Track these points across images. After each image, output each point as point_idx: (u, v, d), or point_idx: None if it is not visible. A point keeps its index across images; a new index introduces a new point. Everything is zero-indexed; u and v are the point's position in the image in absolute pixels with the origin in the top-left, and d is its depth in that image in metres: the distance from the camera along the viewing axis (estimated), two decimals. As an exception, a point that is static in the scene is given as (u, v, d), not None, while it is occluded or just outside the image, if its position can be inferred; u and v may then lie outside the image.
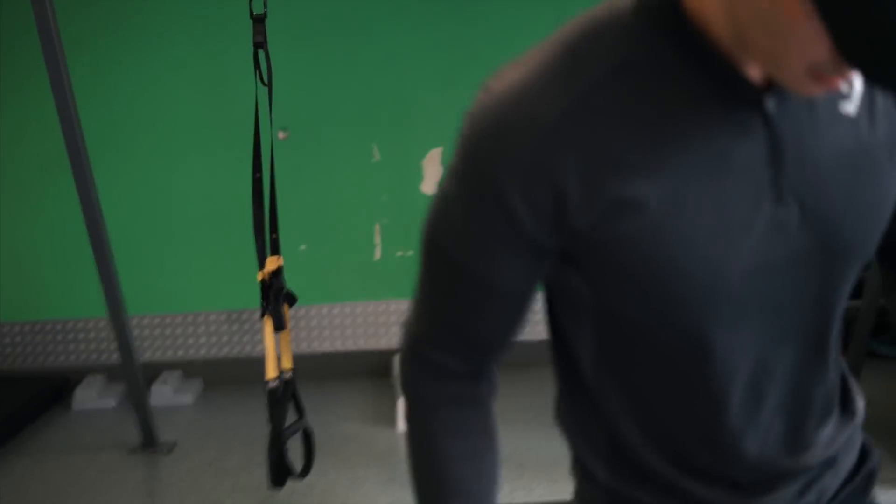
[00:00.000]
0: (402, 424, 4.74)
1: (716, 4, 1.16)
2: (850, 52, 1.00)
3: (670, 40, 1.20)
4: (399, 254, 5.74)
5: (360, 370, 5.67)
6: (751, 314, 1.27)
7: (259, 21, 3.61)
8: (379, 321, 5.80)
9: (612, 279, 1.25)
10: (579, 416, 1.47)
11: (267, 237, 3.67)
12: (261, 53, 3.61)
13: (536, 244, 1.24)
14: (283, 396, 3.74)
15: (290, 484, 3.89)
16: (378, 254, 5.73)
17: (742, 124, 1.22)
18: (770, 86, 1.22)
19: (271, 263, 3.69)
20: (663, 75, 1.20)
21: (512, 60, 1.25)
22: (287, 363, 3.76)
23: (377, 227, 5.72)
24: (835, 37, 1.00)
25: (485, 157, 1.21)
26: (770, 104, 1.22)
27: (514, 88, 1.20)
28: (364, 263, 5.71)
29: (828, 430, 1.43)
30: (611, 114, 1.19)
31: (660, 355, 1.31)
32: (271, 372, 3.70)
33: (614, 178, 1.19)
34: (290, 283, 3.66)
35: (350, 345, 5.76)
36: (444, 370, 1.43)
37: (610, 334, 1.33)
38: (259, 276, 3.64)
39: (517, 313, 1.36)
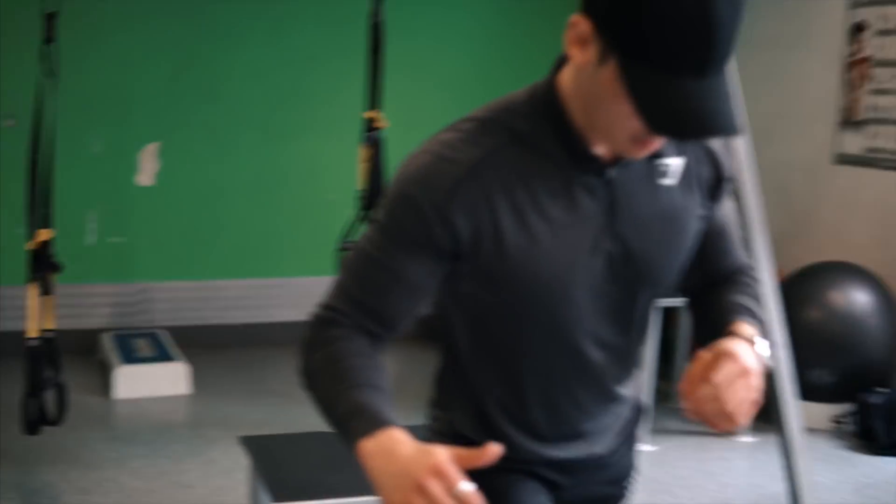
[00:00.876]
0: (115, 393, 5.43)
1: (573, 97, 1.72)
2: (652, 127, 1.65)
3: (548, 122, 1.76)
4: (112, 240, 6.27)
5: (68, 348, 6.12)
6: (585, 316, 1.86)
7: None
8: (87, 302, 6.28)
9: (488, 280, 1.80)
10: (455, 385, 2.02)
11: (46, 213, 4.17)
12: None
13: (440, 251, 1.76)
14: (43, 353, 4.25)
15: (27, 441, 4.45)
16: (91, 239, 6.23)
17: (591, 186, 1.78)
18: (613, 161, 1.77)
19: (42, 235, 4.20)
20: (542, 146, 1.77)
21: (443, 130, 1.84)
22: (49, 325, 4.27)
23: (92, 215, 6.22)
24: (639, 115, 1.61)
25: (413, 187, 1.74)
26: (610, 174, 1.79)
27: (438, 144, 1.78)
28: (77, 247, 6.16)
29: (628, 389, 2.09)
30: (506, 170, 1.75)
31: (518, 344, 1.92)
32: (32, 332, 4.19)
33: (504, 215, 1.74)
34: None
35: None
36: (349, 329, 1.80)
37: (483, 325, 1.88)
38: (30, 246, 4.14)
39: (415, 304, 1.82)
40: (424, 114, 6.78)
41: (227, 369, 6.23)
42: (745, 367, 1.76)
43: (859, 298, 5.40)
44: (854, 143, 5.93)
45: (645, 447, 2.58)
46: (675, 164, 1.84)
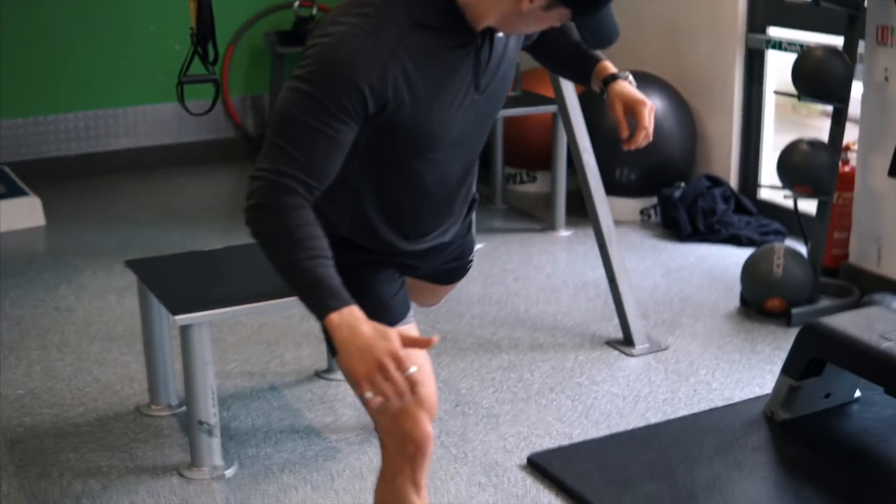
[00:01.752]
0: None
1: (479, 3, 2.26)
2: (591, 45, 2.43)
3: (440, 8, 2.27)
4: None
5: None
6: (459, 145, 2.49)
7: None
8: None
9: (392, 132, 2.31)
10: (336, 198, 2.52)
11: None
12: None
13: (364, 116, 2.22)
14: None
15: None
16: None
17: (466, 55, 2.34)
18: (481, 34, 2.32)
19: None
20: (435, 28, 2.27)
21: (338, 16, 2.29)
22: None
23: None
24: (587, 41, 2.39)
25: (350, 70, 2.17)
26: (488, 46, 2.36)
27: (357, 31, 2.20)
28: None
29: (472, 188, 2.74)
30: (411, 49, 2.23)
31: (408, 172, 2.47)
32: None
33: (410, 85, 2.24)
34: None
35: None
36: (296, 195, 2.17)
37: (372, 160, 2.42)
38: None
39: (343, 157, 2.25)
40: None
41: (74, 199, 6.51)
42: (648, 103, 2.65)
43: (656, 103, 5.96)
44: (643, -42, 6.48)
45: (476, 245, 3.12)
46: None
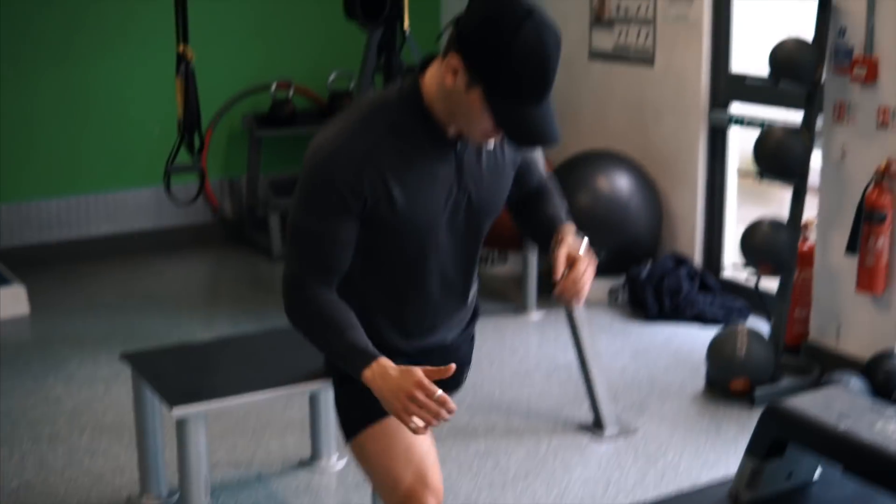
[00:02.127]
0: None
1: (436, 99, 2.50)
2: (509, 139, 2.49)
3: (415, 115, 2.53)
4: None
5: None
6: (444, 246, 2.70)
7: None
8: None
9: (381, 229, 2.57)
10: (347, 300, 2.72)
11: None
12: None
13: (356, 214, 2.53)
14: None
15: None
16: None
17: (446, 158, 2.59)
18: (458, 138, 2.57)
19: None
20: (412, 133, 2.54)
21: (328, 125, 2.60)
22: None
23: None
24: (499, 131, 2.47)
25: (327, 173, 2.48)
26: (458, 147, 2.59)
27: (336, 138, 2.54)
28: None
29: (471, 296, 2.93)
30: (387, 151, 2.51)
31: (405, 269, 2.70)
32: None
33: (392, 183, 2.51)
34: None
35: None
36: (317, 287, 2.56)
37: (373, 259, 2.67)
38: None
39: (350, 253, 2.59)
40: (226, 39, 7.31)
41: (58, 286, 6.66)
42: (590, 262, 2.66)
43: (622, 183, 6.20)
44: (605, 40, 6.73)
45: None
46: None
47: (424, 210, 2.59)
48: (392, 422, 2.70)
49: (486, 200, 2.70)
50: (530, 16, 2.36)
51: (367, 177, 2.50)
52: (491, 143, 2.64)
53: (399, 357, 2.74)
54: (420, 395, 2.41)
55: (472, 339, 3.04)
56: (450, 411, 2.43)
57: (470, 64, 2.39)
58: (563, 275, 2.64)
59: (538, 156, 2.93)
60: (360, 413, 2.77)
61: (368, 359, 2.50)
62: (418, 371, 2.44)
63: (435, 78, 2.52)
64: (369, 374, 2.48)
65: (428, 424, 2.43)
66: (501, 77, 2.37)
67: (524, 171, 2.90)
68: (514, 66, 2.35)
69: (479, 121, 2.46)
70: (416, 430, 2.43)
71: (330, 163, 2.50)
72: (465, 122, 2.50)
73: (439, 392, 2.42)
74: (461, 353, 2.99)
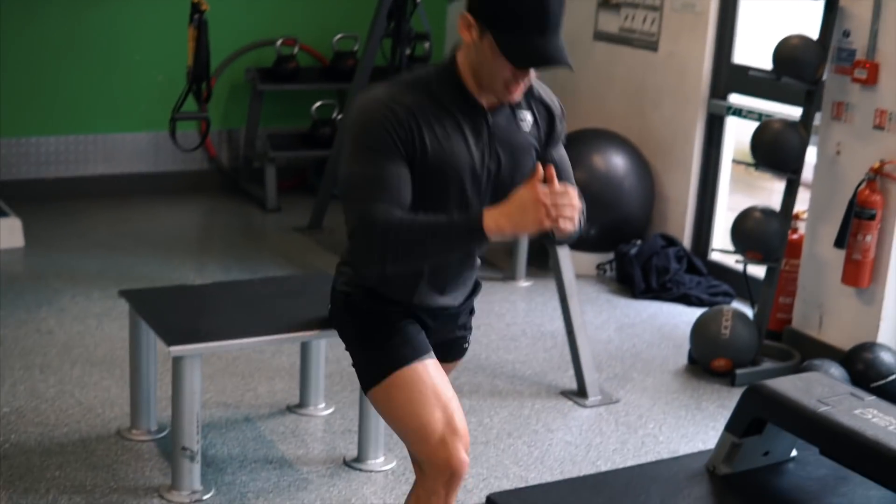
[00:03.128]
0: None
1: (466, 69, 2.73)
2: (516, 64, 2.61)
3: (451, 85, 2.75)
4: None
5: None
6: (470, 200, 2.79)
7: None
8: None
9: (415, 181, 2.70)
10: None
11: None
12: None
13: (404, 156, 2.68)
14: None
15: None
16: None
17: (478, 125, 2.77)
18: (491, 109, 2.76)
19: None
20: (449, 100, 2.74)
21: (371, 88, 2.76)
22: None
23: None
24: (508, 60, 2.61)
25: (378, 117, 2.65)
26: (489, 117, 2.77)
27: (383, 94, 2.70)
28: None
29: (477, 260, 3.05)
30: (427, 112, 2.70)
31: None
32: None
33: (429, 135, 2.69)
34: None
35: None
36: (389, 212, 2.61)
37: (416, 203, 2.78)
38: None
39: (409, 188, 2.68)
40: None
41: (53, 222, 6.73)
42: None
43: (617, 162, 6.28)
44: (611, 22, 6.81)
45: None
46: (527, 115, 2.87)
47: (456, 168, 2.74)
48: (417, 367, 2.81)
49: (511, 171, 2.83)
50: None
51: (410, 127, 2.68)
52: (517, 95, 2.75)
53: (417, 309, 2.91)
54: (546, 199, 2.51)
55: (472, 310, 3.15)
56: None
57: (477, 12, 2.65)
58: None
59: (566, 158, 2.98)
60: (385, 360, 2.84)
61: (475, 219, 2.57)
62: (524, 188, 2.55)
63: (464, 51, 2.74)
64: (490, 224, 2.55)
65: (564, 221, 2.53)
66: (503, 13, 2.61)
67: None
68: (515, 7, 2.60)
69: (497, 67, 2.66)
70: (565, 228, 2.54)
71: (379, 110, 2.67)
72: (487, 75, 2.70)
73: (555, 181, 2.55)
74: (462, 320, 3.09)
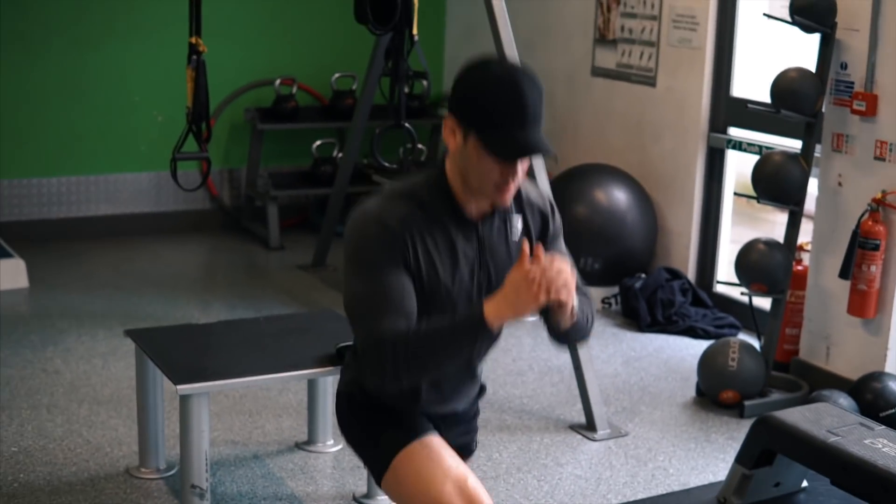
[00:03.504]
0: None
1: (454, 177, 2.74)
2: (501, 158, 2.62)
3: (440, 196, 2.76)
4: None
5: None
6: (464, 304, 2.79)
7: None
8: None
9: (417, 281, 2.72)
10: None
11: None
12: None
13: (403, 266, 2.69)
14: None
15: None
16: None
17: (468, 237, 2.78)
18: (481, 218, 2.78)
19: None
20: (438, 210, 2.75)
21: (363, 203, 2.76)
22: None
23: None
24: (492, 156, 2.62)
25: (375, 229, 2.68)
26: (480, 228, 2.79)
27: (376, 207, 2.72)
28: None
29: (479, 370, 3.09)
30: (419, 224, 2.71)
31: None
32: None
33: (421, 252, 2.70)
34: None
35: None
36: (396, 328, 2.63)
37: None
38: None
39: (414, 299, 2.70)
40: (234, 33, 7.40)
41: (56, 263, 6.74)
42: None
43: (619, 196, 6.31)
44: (608, 58, 6.84)
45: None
46: (518, 221, 2.86)
47: (448, 280, 2.76)
48: (420, 444, 2.84)
49: (501, 281, 2.72)
50: (500, 62, 2.77)
51: (404, 240, 2.69)
52: (509, 196, 2.74)
53: (417, 415, 2.93)
54: (536, 277, 2.51)
55: (478, 411, 3.20)
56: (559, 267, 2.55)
57: (458, 115, 2.69)
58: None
59: (568, 256, 2.97)
60: (388, 445, 2.88)
61: (476, 314, 2.59)
62: (514, 269, 2.56)
63: (451, 158, 2.77)
64: (490, 315, 2.56)
65: (558, 292, 2.53)
66: (484, 111, 2.63)
67: None
68: (489, 98, 2.63)
69: (484, 168, 2.67)
70: (563, 300, 2.55)
71: (375, 222, 2.70)
72: (476, 179, 2.71)
73: (542, 256, 2.55)
74: (471, 423, 3.15)
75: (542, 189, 2.97)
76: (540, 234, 2.91)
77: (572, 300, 2.61)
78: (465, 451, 3.07)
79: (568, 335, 2.87)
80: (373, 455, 2.92)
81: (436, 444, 2.86)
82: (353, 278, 2.71)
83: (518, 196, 2.86)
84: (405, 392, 2.89)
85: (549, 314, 2.73)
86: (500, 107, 2.61)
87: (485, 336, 2.60)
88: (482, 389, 3.16)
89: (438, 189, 2.76)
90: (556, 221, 2.96)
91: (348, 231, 2.75)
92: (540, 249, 2.59)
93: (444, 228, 2.74)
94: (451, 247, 2.75)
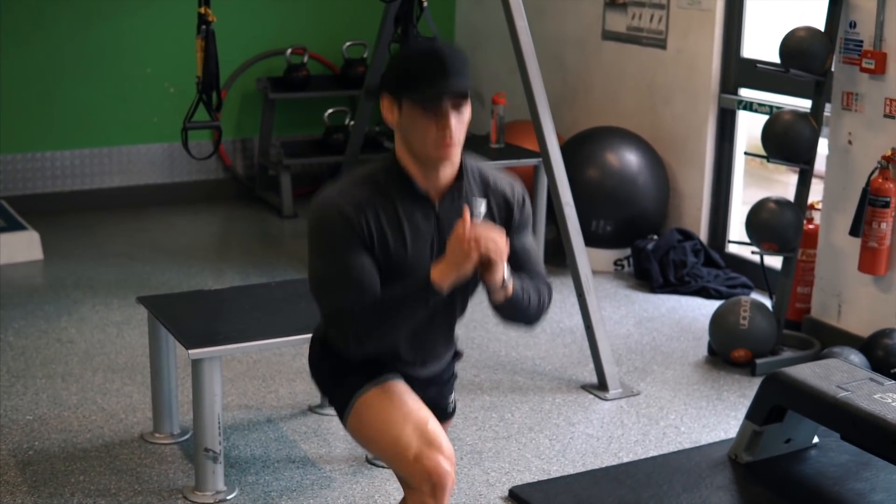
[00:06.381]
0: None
1: (405, 154, 2.85)
2: (428, 107, 2.73)
3: (395, 177, 2.86)
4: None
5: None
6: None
7: None
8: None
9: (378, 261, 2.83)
10: None
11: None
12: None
13: (364, 246, 2.78)
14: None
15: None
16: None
17: (426, 213, 2.87)
18: (440, 199, 2.86)
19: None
20: (395, 191, 2.85)
21: (326, 188, 2.87)
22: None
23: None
24: (421, 106, 2.73)
25: (334, 211, 2.79)
26: (437, 207, 2.87)
27: (337, 189, 2.85)
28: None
29: (453, 338, 3.13)
30: (377, 204, 2.82)
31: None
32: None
33: (377, 227, 2.80)
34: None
35: None
36: (359, 298, 2.77)
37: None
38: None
39: (376, 276, 2.81)
40: (245, 3, 7.41)
41: (70, 234, 6.77)
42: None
43: (631, 159, 6.30)
44: (618, 21, 6.82)
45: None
46: (482, 205, 2.83)
47: (409, 254, 2.86)
48: (382, 387, 2.93)
49: None
50: (422, 40, 2.87)
51: (366, 219, 2.81)
52: (450, 150, 2.81)
53: (386, 365, 3.01)
54: (468, 229, 2.68)
55: (454, 375, 3.23)
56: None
57: (389, 89, 2.84)
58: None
59: (533, 248, 3.02)
60: (352, 386, 2.95)
61: (423, 278, 2.75)
62: (452, 235, 2.73)
63: (397, 138, 2.88)
64: (436, 276, 2.74)
65: (487, 249, 2.70)
66: (406, 75, 2.77)
67: (517, 258, 2.98)
68: (411, 63, 2.79)
69: (421, 128, 2.78)
70: (493, 260, 2.72)
71: (334, 204, 2.83)
72: (418, 142, 2.81)
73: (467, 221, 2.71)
74: (447, 385, 3.19)
75: (516, 184, 3.01)
76: (504, 222, 2.97)
77: (502, 264, 2.76)
78: (439, 412, 3.08)
79: (503, 309, 2.90)
80: (338, 396, 2.99)
81: (399, 388, 2.95)
82: (315, 259, 2.86)
83: (484, 181, 2.95)
84: (380, 356, 2.96)
85: (484, 276, 2.81)
86: (421, 65, 2.76)
87: (434, 296, 2.75)
88: (457, 354, 3.21)
89: (395, 171, 2.88)
90: (525, 214, 3.02)
91: (311, 216, 2.88)
92: (466, 212, 2.74)
93: (401, 207, 2.85)
94: (409, 224, 2.86)
